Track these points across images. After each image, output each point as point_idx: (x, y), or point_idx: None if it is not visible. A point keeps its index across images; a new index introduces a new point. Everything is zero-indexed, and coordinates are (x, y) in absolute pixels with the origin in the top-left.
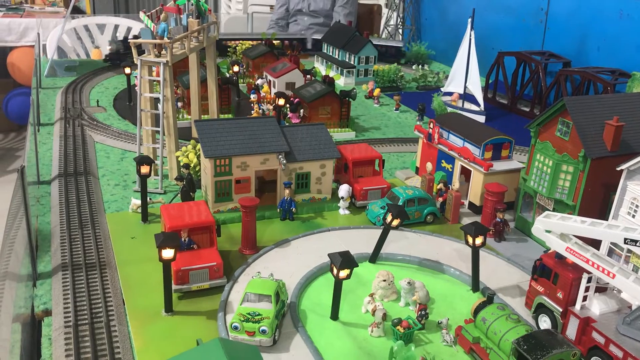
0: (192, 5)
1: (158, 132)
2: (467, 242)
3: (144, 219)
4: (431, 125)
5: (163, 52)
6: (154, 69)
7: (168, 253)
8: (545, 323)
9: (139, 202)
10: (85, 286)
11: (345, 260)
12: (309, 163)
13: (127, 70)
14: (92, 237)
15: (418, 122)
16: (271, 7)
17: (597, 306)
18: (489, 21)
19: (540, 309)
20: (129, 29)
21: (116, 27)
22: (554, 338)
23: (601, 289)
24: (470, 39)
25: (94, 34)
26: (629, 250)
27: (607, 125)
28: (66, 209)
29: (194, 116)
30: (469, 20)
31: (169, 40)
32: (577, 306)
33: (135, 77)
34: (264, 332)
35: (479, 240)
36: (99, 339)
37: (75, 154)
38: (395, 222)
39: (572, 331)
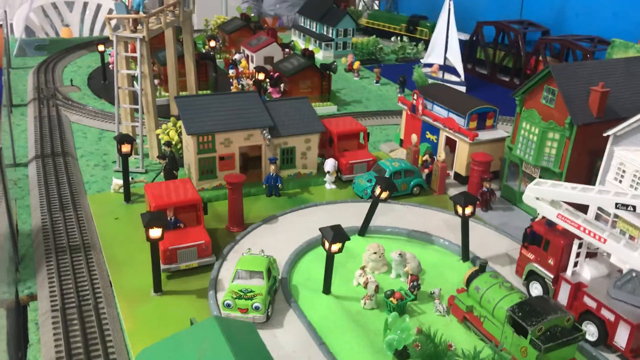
0: None
1: (136, 110)
2: (456, 212)
3: (127, 199)
4: (415, 97)
5: (139, 27)
6: (128, 45)
7: (155, 232)
8: (536, 290)
9: (120, 182)
10: (71, 269)
11: (337, 234)
12: (294, 138)
13: (101, 47)
14: (75, 219)
15: (399, 95)
16: None
17: (588, 271)
18: None
19: (531, 276)
20: (98, 6)
21: (85, 4)
22: (548, 304)
23: (591, 254)
24: (449, 10)
25: (63, 12)
26: (615, 215)
27: (593, 92)
28: (46, 191)
29: (172, 93)
30: None
31: (145, 15)
32: (569, 272)
33: (109, 54)
34: (257, 308)
35: (468, 210)
36: (88, 322)
37: (52, 134)
38: (384, 195)
39: (563, 297)
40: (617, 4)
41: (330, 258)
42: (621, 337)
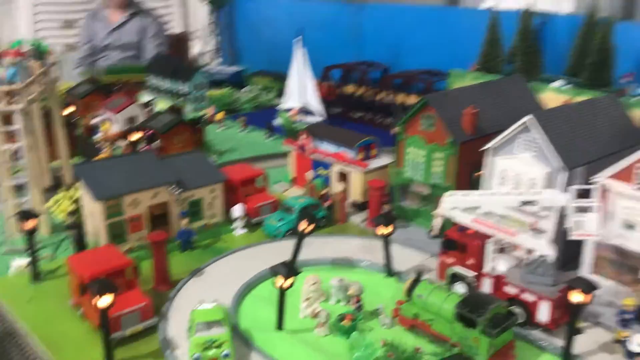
0: (30, 47)
1: (19, 186)
2: (378, 233)
3: (36, 277)
4: (303, 137)
5: (15, 98)
6: None
7: (106, 300)
8: (461, 289)
9: (21, 262)
10: None
11: (290, 269)
12: (200, 190)
13: None
14: None
15: (268, 140)
16: (66, 45)
17: (502, 264)
18: (310, 39)
19: (454, 278)
20: None
21: None
22: (484, 297)
23: (500, 250)
24: (303, 56)
25: None
26: (501, 215)
27: (465, 114)
28: None
29: (43, 164)
30: (296, 40)
31: (22, 85)
32: (488, 268)
33: None
34: (227, 355)
35: (389, 230)
36: None
37: None
38: (310, 228)
39: (487, 290)
40: (445, 39)
41: (282, 294)
42: (543, 313)
